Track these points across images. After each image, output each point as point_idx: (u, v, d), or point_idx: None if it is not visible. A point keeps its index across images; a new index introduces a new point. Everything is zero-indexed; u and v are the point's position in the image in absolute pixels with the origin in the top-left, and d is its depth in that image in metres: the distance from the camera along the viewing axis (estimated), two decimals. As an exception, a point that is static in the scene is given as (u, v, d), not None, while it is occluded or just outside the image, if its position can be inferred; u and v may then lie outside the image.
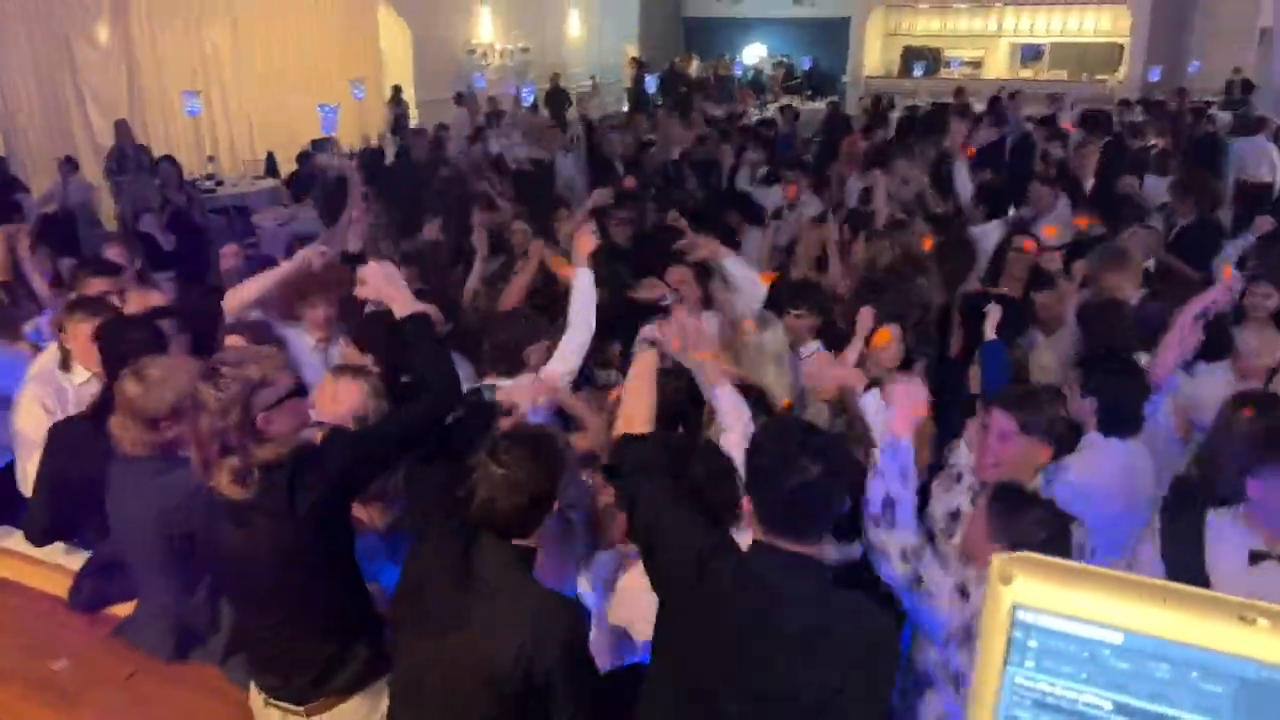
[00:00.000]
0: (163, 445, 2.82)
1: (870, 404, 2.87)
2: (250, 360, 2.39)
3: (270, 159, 12.18)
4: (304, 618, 2.50)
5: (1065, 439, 3.02)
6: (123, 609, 3.15)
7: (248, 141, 13.25)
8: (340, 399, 3.01)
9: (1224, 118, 13.86)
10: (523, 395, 3.10)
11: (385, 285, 2.65)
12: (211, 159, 12.07)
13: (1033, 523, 2.32)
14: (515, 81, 17.21)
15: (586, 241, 3.48)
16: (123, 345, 3.24)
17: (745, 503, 2.16)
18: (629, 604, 2.73)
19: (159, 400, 2.77)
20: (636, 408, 2.55)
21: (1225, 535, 2.64)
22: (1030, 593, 0.75)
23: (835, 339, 4.08)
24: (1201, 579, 2.61)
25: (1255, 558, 2.58)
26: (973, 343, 4.15)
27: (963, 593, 2.33)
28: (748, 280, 4.19)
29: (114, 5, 11.41)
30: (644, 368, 2.67)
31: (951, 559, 2.51)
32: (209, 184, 11.07)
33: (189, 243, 7.65)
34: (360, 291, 2.73)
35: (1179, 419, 3.78)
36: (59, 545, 3.48)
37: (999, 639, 0.76)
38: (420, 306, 2.66)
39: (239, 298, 3.71)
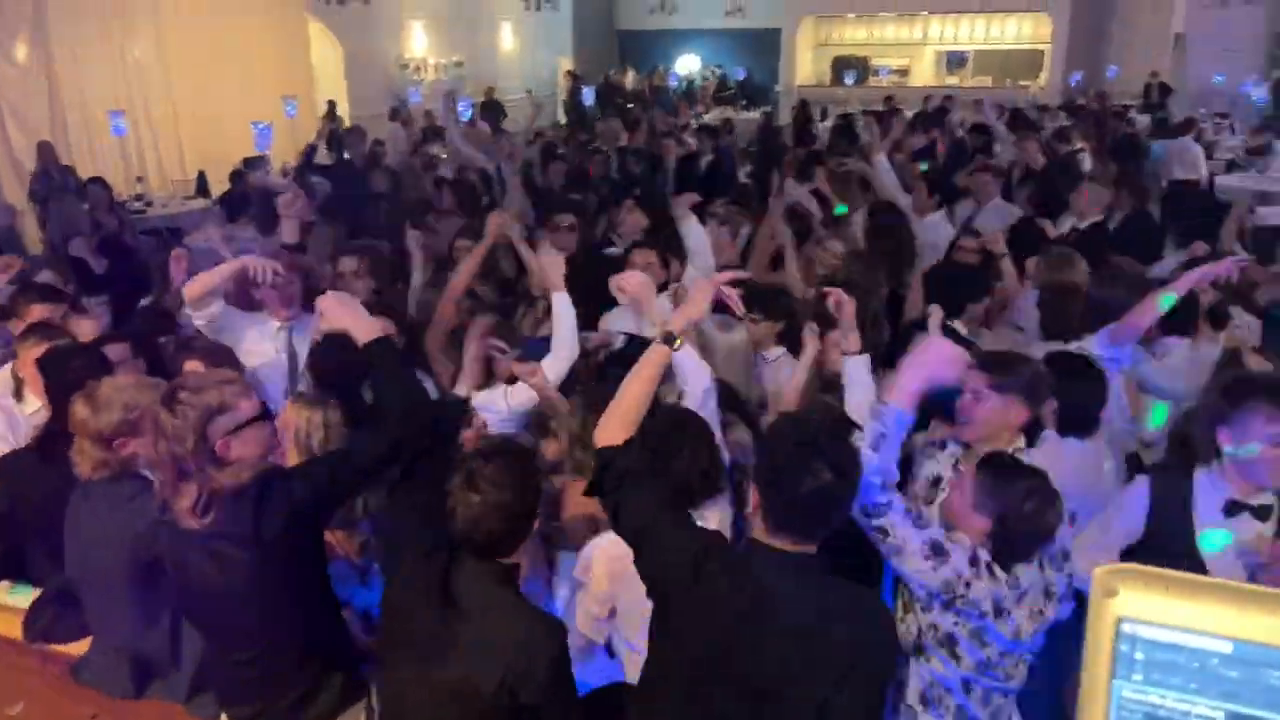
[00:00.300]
0: (122, 464, 2.75)
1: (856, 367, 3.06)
2: (210, 386, 2.36)
3: (201, 178, 11.88)
4: (278, 647, 2.46)
5: (1028, 432, 3.04)
6: (76, 648, 3.04)
7: (177, 161, 12.91)
8: (302, 427, 3.01)
9: (1143, 120, 14.42)
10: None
11: (344, 313, 2.61)
12: (140, 179, 11.71)
13: (1021, 493, 2.33)
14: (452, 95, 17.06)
15: (556, 264, 3.44)
16: (67, 374, 3.14)
17: (753, 494, 2.15)
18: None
19: (109, 418, 2.70)
20: (631, 407, 2.37)
21: (1205, 490, 2.72)
22: (1134, 605, 0.73)
23: (797, 343, 4.07)
24: (1188, 532, 2.70)
25: (1231, 509, 2.65)
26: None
27: (937, 550, 2.29)
28: (703, 247, 4.27)
29: (34, 20, 11.03)
30: (654, 366, 2.44)
31: (933, 521, 2.52)
32: (138, 205, 10.74)
33: (121, 265, 7.42)
34: (318, 323, 2.76)
35: (1130, 395, 3.89)
36: (3, 584, 3.35)
37: (1104, 653, 0.74)
38: (379, 330, 2.61)
39: (199, 286, 3.71)
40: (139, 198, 11.10)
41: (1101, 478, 3.34)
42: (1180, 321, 3.99)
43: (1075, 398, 3.22)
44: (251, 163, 11.12)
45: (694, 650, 2.13)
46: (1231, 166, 12.28)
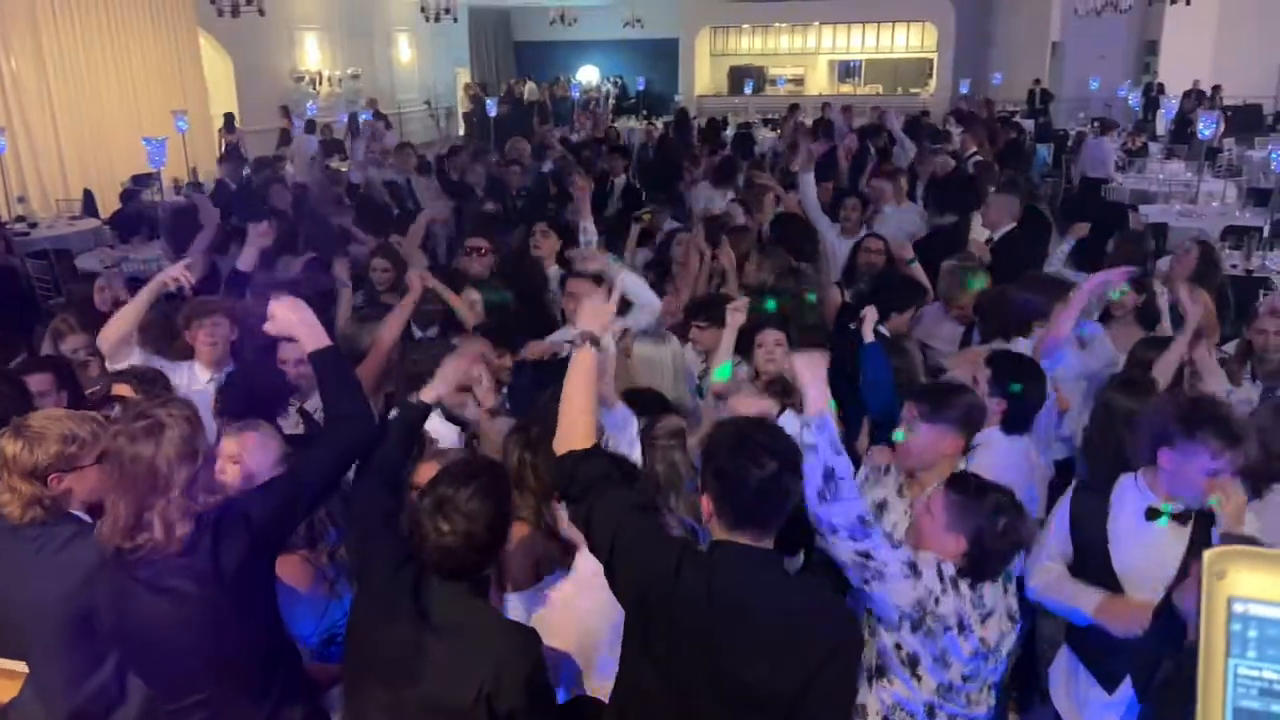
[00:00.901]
0: (55, 503, 2.57)
1: (791, 422, 2.93)
2: (180, 412, 2.28)
3: (88, 197, 11.38)
4: (234, 685, 2.36)
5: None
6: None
7: (60, 179, 12.29)
8: (243, 457, 2.89)
9: (1027, 125, 15.10)
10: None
11: (294, 319, 2.56)
12: (21, 199, 11.10)
13: (992, 510, 2.38)
14: (348, 108, 16.77)
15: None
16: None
17: (705, 503, 2.18)
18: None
19: (45, 452, 2.53)
20: (578, 418, 2.37)
21: (1127, 495, 2.81)
22: (1245, 584, 0.75)
23: (746, 348, 4.11)
24: (1102, 535, 2.79)
25: (1150, 514, 2.74)
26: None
27: (913, 569, 2.32)
28: (644, 294, 4.17)
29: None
30: (584, 370, 2.42)
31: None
32: (21, 226, 10.16)
33: (6, 289, 7.14)
34: (268, 327, 2.61)
35: (1058, 393, 4.04)
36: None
37: (1219, 633, 0.76)
38: (326, 339, 2.56)
39: (113, 335, 3.55)
40: (21, 219, 10.51)
41: (1034, 475, 3.43)
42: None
43: (1023, 396, 3.31)
44: (141, 180, 10.84)
45: (671, 652, 2.13)
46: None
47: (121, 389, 3.30)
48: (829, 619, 2.16)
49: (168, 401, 2.42)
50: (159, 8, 13.70)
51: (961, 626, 2.35)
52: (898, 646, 2.39)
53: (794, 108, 14.27)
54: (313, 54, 18.32)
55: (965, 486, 2.48)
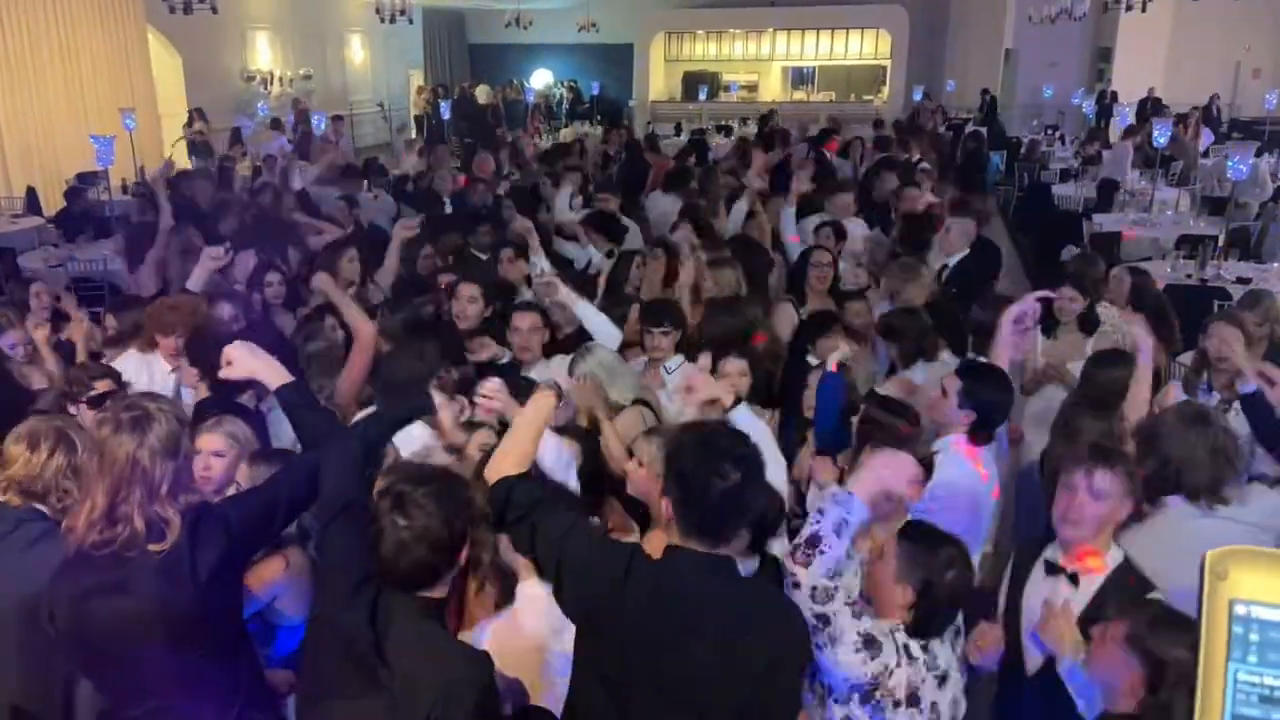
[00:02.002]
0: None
1: (740, 420, 2.96)
2: (169, 409, 2.32)
3: (32, 195, 11.11)
4: (194, 693, 2.33)
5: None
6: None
7: (2, 176, 11.98)
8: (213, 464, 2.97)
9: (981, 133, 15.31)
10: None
11: (252, 362, 2.67)
12: (-40, 198, 10.83)
13: (944, 561, 2.37)
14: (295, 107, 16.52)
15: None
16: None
17: (665, 506, 2.18)
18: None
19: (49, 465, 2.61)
20: (519, 445, 2.44)
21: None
22: (1247, 586, 0.75)
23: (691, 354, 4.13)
24: (1018, 596, 2.78)
25: (1049, 569, 2.72)
26: None
27: (870, 643, 2.29)
28: (604, 327, 4.18)
29: None
30: (541, 412, 2.53)
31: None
32: (-40, 225, 9.88)
33: None
34: (226, 372, 2.70)
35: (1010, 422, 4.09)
36: None
37: (1220, 635, 0.75)
38: (287, 375, 2.67)
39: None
40: (-40, 217, 10.24)
41: (990, 487, 3.37)
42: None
43: (994, 409, 3.29)
44: (85, 179, 10.67)
45: (621, 660, 2.14)
46: (1065, 175, 13.11)
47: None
48: (778, 626, 2.17)
49: (158, 397, 2.43)
50: (107, 2, 13.43)
51: (912, 700, 2.33)
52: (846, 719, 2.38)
53: (766, 118, 14.23)
54: (264, 53, 18.08)
55: (917, 534, 2.47)
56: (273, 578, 2.82)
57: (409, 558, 2.10)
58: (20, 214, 10.74)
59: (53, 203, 10.98)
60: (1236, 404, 3.74)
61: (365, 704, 2.11)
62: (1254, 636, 0.74)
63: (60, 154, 11.95)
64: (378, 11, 17.09)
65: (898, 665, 2.31)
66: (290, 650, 2.87)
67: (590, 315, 4.25)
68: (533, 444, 2.48)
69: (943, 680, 2.38)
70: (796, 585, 2.27)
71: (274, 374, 2.64)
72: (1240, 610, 0.75)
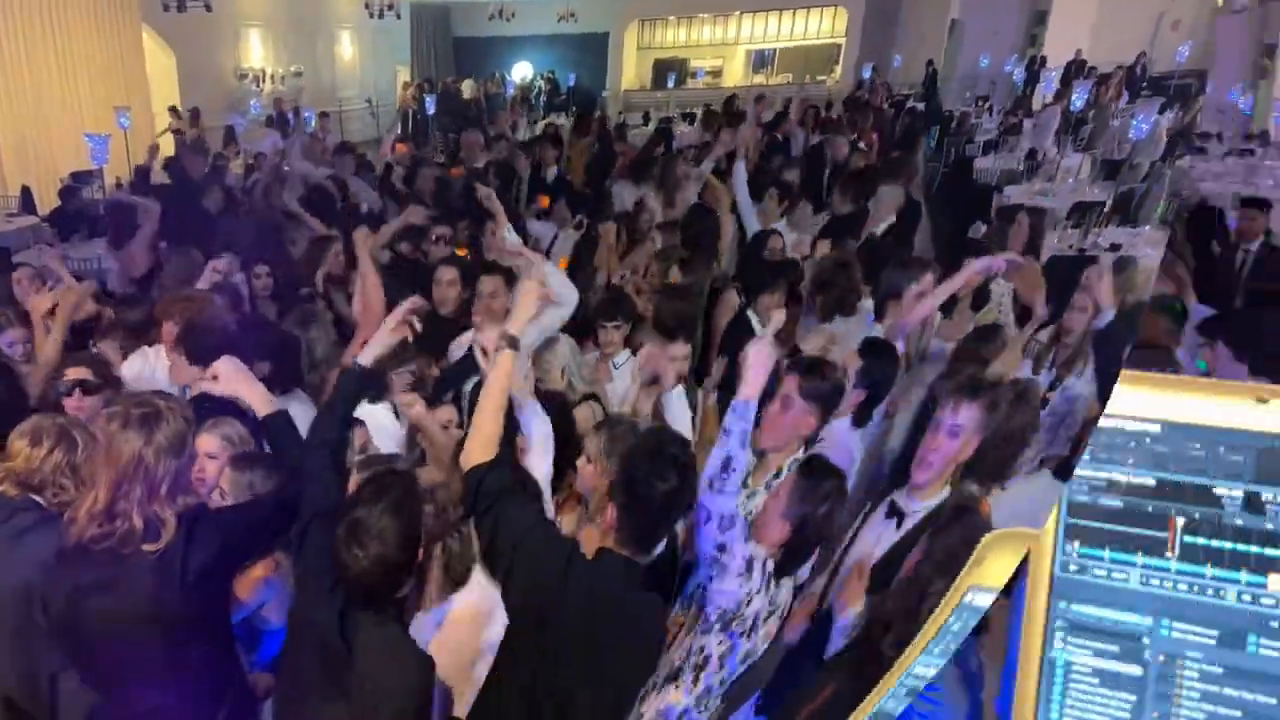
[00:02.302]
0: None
1: (674, 402, 3.19)
2: (179, 408, 2.36)
3: (26, 193, 10.91)
4: (179, 692, 2.38)
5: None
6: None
7: (-6, 175, 11.93)
8: (207, 465, 2.95)
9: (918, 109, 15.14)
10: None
11: (239, 383, 2.60)
12: (-46, 196, 10.87)
13: (823, 495, 2.41)
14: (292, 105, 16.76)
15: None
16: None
17: (610, 511, 2.29)
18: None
19: (48, 461, 2.61)
20: (487, 424, 2.41)
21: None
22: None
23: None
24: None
25: (892, 510, 2.76)
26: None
27: (749, 566, 2.35)
28: (565, 289, 4.01)
29: None
30: (503, 373, 2.47)
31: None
32: (-45, 224, 9.62)
33: None
34: (210, 387, 2.66)
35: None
36: None
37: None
38: (274, 404, 2.62)
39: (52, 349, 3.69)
40: (-46, 216, 10.03)
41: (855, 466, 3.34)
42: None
43: (883, 390, 3.29)
44: (80, 177, 10.52)
45: (539, 649, 2.25)
46: (987, 147, 12.45)
47: (76, 370, 3.40)
48: (656, 626, 2.36)
49: (168, 395, 2.48)
50: (102, 1, 13.22)
51: (753, 629, 2.41)
52: (701, 650, 2.46)
53: (729, 101, 13.81)
54: (256, 51, 18.29)
55: (811, 468, 2.51)
56: (262, 577, 2.82)
57: (368, 580, 2.17)
58: (15, 213, 10.58)
59: (47, 201, 10.78)
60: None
61: (339, 706, 2.19)
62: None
63: (55, 152, 11.78)
64: (366, 6, 17.18)
65: (758, 592, 2.39)
66: (274, 655, 2.81)
67: (552, 272, 4.07)
68: (496, 420, 2.42)
69: (768, 617, 2.46)
70: (708, 519, 2.33)
71: (259, 399, 2.55)
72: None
